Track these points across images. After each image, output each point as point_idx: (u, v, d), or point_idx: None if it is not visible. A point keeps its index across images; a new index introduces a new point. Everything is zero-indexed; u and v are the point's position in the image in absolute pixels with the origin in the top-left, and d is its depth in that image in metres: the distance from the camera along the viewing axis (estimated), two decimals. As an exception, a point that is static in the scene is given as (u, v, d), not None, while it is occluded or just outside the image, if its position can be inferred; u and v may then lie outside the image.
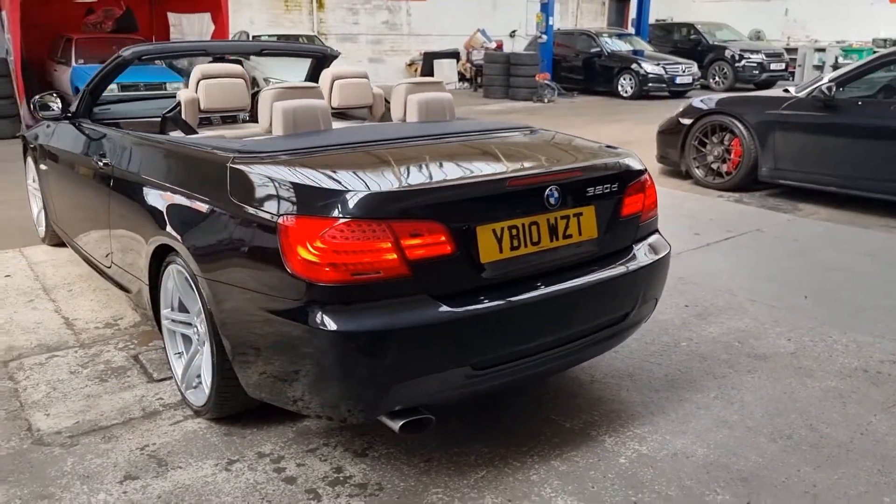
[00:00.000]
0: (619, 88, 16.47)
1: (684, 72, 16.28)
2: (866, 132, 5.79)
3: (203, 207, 2.51)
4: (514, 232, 2.35)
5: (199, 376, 2.82)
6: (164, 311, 2.94)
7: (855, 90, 6.10)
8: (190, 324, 2.84)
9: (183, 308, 2.88)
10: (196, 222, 2.53)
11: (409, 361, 2.19)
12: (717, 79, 18.42)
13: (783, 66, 18.62)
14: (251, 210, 2.30)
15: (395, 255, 2.13)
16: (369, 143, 2.64)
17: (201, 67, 3.42)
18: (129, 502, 2.31)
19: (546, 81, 15.60)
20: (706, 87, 17.98)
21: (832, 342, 3.46)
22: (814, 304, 3.97)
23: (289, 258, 2.16)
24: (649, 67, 16.02)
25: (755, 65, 18.05)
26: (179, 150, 2.80)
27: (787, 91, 6.67)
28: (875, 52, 9.17)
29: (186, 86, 3.62)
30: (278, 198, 2.25)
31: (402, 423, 2.24)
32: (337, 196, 2.15)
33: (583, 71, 17.52)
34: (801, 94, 6.26)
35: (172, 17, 14.55)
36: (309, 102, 2.94)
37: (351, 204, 2.13)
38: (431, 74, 18.67)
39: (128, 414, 2.84)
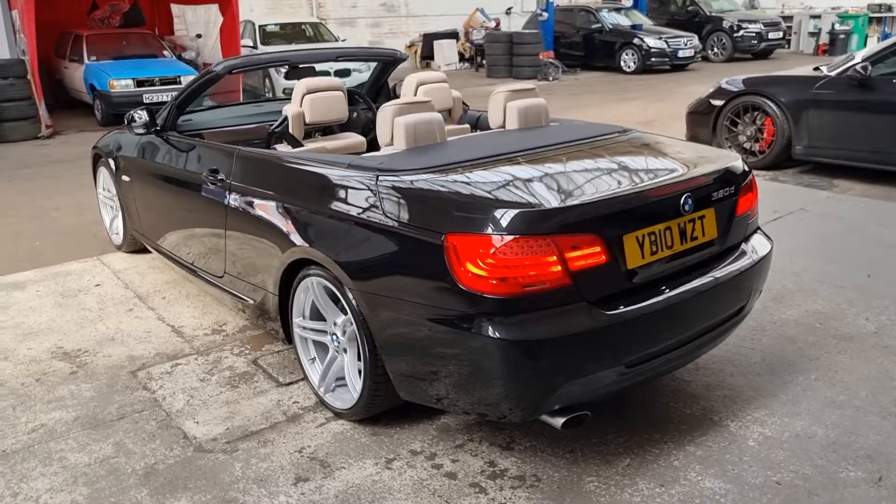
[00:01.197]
0: (622, 64, 16.58)
1: (686, 45, 16.41)
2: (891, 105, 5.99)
3: (351, 224, 2.66)
4: (652, 238, 2.53)
5: (338, 380, 3.00)
6: (297, 320, 3.11)
7: (884, 68, 6.28)
8: (325, 331, 3.01)
9: (316, 317, 3.05)
10: (344, 238, 2.68)
11: (572, 365, 2.38)
12: (715, 50, 18.58)
13: (781, 34, 18.78)
14: (410, 226, 2.46)
15: (559, 268, 2.31)
16: (501, 156, 2.80)
17: (305, 82, 3.54)
18: (310, 503, 2.49)
19: (550, 59, 15.70)
20: (706, 59, 18.12)
21: (907, 320, 3.69)
22: (879, 282, 4.18)
23: (457, 273, 2.33)
24: (652, 42, 16.13)
25: (753, 34, 18.20)
26: (315, 168, 2.94)
27: (817, 70, 6.86)
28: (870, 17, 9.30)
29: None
30: (439, 214, 2.41)
31: (564, 420, 2.42)
32: (503, 213, 2.32)
33: (583, 47, 17.61)
34: (834, 74, 6.44)
35: (176, 9, 14.51)
36: (428, 116, 3.08)
37: (518, 221, 2.29)
38: (431, 56, 18.69)
39: (272, 418, 3.01)
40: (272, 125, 3.86)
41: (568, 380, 2.38)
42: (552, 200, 2.40)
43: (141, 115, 4.00)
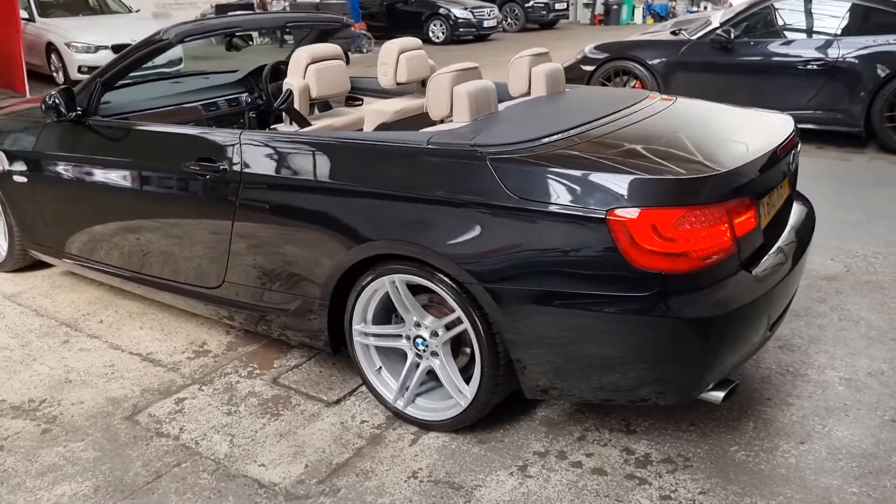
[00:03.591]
0: (430, 34, 16.64)
1: (489, 15, 16.86)
2: (761, 67, 6.60)
3: (462, 210, 2.31)
4: (770, 197, 2.49)
5: (420, 388, 2.64)
6: (358, 327, 2.67)
7: (741, 31, 6.88)
8: (399, 335, 2.63)
9: (381, 321, 2.66)
10: (454, 227, 2.32)
11: (741, 335, 2.28)
12: (509, 20, 19.33)
13: (565, 5, 20.03)
14: (555, 207, 2.18)
15: (729, 236, 2.18)
16: (595, 124, 2.57)
17: (308, 50, 3.00)
18: (474, 533, 2.16)
19: (363, 31, 15.30)
20: (505, 31, 18.81)
21: None
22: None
23: (629, 252, 2.11)
24: (459, 12, 16.36)
25: (543, 5, 19.18)
26: (395, 148, 2.50)
27: (675, 34, 7.35)
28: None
29: None
30: (596, 190, 2.16)
31: (724, 393, 2.32)
32: (678, 183, 2.13)
33: (387, 17, 17.40)
34: (696, 38, 6.94)
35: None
36: (484, 84, 2.76)
37: (696, 190, 2.13)
38: (225, 29, 17.35)
39: (350, 445, 2.58)
40: (211, 103, 3.28)
41: (734, 351, 2.28)
42: (713, 166, 2.25)
43: (56, 98, 3.19)
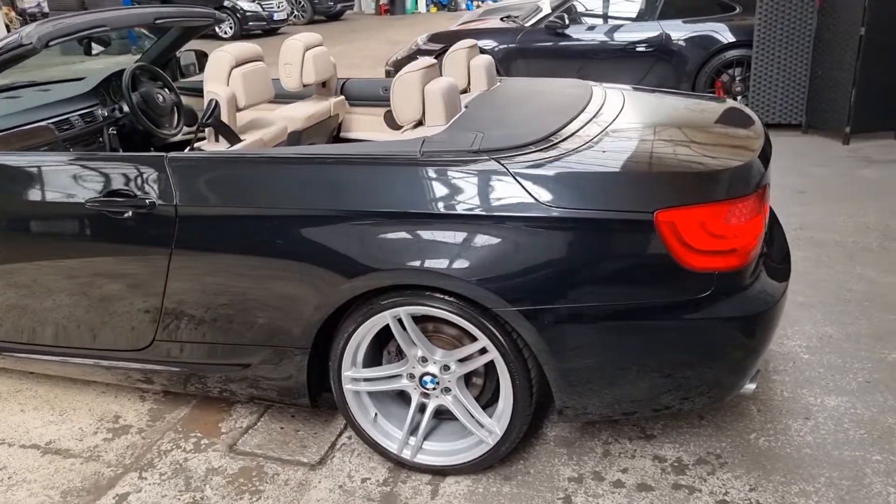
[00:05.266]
0: (217, 29, 15.55)
1: (279, 7, 16.13)
2: (597, 50, 6.87)
3: (479, 227, 2.02)
4: None
5: (429, 431, 2.33)
6: (348, 373, 2.29)
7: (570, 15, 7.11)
8: (400, 375, 2.30)
9: (369, 362, 2.31)
10: (480, 247, 2.02)
11: (776, 328, 2.23)
12: (296, 13, 18.66)
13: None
14: (593, 212, 1.98)
15: (762, 228, 2.12)
16: (593, 120, 2.38)
17: (231, 51, 2.47)
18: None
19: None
20: (294, 23, 18.12)
21: None
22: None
23: (678, 253, 1.97)
24: (246, 5, 15.46)
25: (331, -4, 18.79)
26: (373, 163, 2.12)
27: (505, 20, 7.43)
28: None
29: None
30: (638, 190, 1.98)
31: (755, 384, 2.27)
32: (721, 176, 2.01)
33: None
34: (529, 25, 7.06)
35: None
36: (450, 82, 2.46)
37: (739, 181, 2.03)
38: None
39: (365, 512, 2.21)
40: (64, 120, 2.70)
41: (769, 344, 2.24)
42: (739, 155, 2.15)
43: None
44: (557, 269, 2.01)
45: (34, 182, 2.42)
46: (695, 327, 2.03)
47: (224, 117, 2.52)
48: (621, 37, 6.81)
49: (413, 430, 2.35)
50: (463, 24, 8.61)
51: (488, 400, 2.35)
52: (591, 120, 2.37)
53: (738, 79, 6.60)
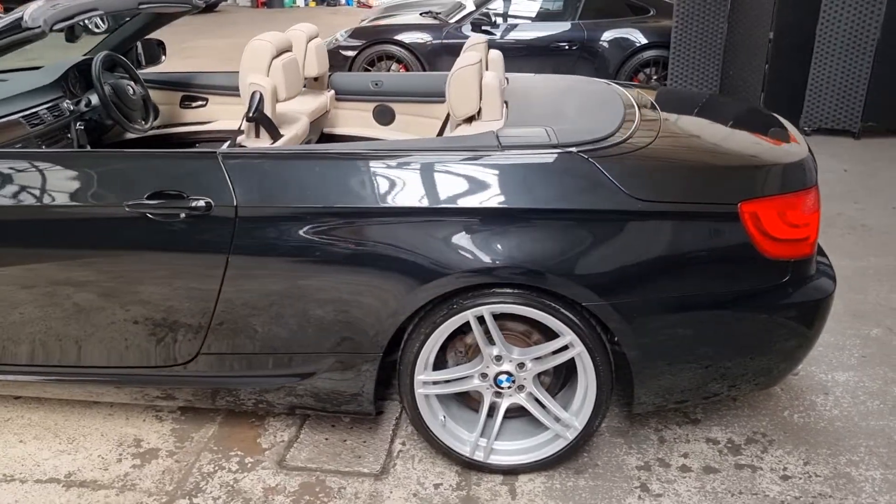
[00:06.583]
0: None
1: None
2: (522, 47, 7.00)
3: (570, 222, 2.01)
4: None
5: (494, 431, 2.30)
6: (421, 377, 2.21)
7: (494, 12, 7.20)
8: (471, 377, 2.25)
9: (436, 365, 2.25)
10: (565, 243, 2.01)
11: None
12: (169, 2, 17.63)
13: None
14: (680, 205, 2.03)
15: (817, 218, 2.26)
16: (638, 111, 2.43)
17: (269, 39, 2.28)
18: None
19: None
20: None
21: None
22: None
23: (760, 243, 2.06)
24: None
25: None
26: (455, 159, 2.05)
27: (425, 15, 7.40)
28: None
29: None
30: (722, 182, 2.05)
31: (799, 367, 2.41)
32: (793, 167, 2.12)
33: None
34: (454, 21, 7.08)
35: None
36: (500, 77, 2.43)
37: (807, 173, 2.14)
38: None
39: (449, 518, 2.15)
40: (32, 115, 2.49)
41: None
42: (797, 148, 2.27)
43: None
44: (646, 262, 2.04)
45: (57, 183, 2.14)
46: (772, 314, 2.13)
47: (266, 110, 2.35)
48: (544, 34, 6.98)
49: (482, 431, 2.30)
50: (375, 20, 8.49)
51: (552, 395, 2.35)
52: (641, 115, 2.42)
53: (654, 78, 6.96)
